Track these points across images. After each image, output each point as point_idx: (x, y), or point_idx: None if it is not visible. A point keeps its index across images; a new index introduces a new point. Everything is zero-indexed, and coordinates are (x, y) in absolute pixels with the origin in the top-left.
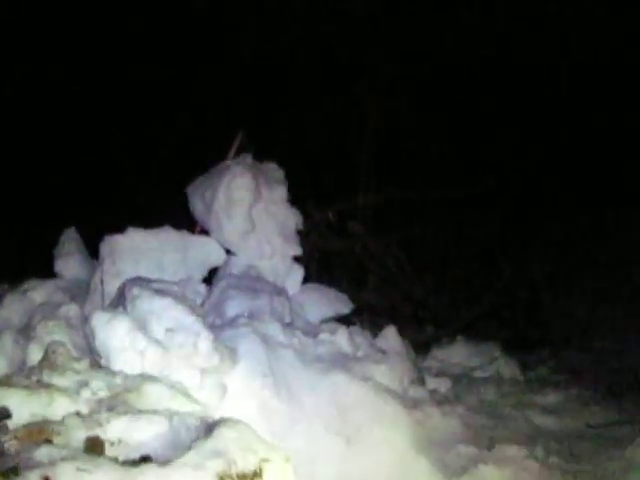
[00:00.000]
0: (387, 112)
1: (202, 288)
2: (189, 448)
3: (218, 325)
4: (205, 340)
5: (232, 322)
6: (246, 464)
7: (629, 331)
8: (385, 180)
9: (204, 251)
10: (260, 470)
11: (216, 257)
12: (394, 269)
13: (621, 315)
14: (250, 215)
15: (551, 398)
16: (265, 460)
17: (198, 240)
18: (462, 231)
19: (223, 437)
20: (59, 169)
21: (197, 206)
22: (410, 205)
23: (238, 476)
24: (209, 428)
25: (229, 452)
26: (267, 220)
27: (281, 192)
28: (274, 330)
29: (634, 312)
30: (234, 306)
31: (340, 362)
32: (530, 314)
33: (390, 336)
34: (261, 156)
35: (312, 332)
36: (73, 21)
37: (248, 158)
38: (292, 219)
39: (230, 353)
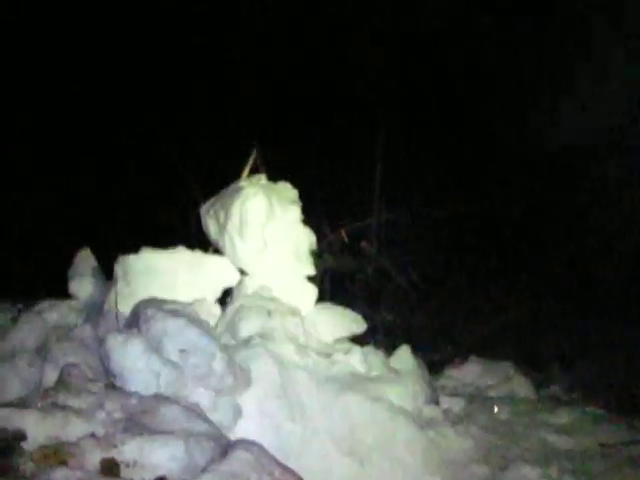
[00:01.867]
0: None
1: (216, 308)
2: (204, 470)
3: (232, 345)
4: (219, 361)
5: (246, 343)
6: None
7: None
8: (397, 201)
9: (218, 271)
10: None
11: (229, 277)
12: (406, 288)
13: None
14: (263, 235)
15: (564, 417)
16: (278, 477)
17: (212, 260)
18: (473, 249)
19: (238, 459)
20: (74, 187)
21: (211, 226)
22: (422, 225)
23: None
24: (224, 450)
25: (244, 474)
26: (280, 240)
27: (294, 212)
28: (287, 350)
29: None
30: (248, 327)
31: (354, 382)
32: (542, 332)
33: (404, 356)
34: (275, 177)
35: (325, 352)
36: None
37: (262, 178)
38: (305, 239)
39: (244, 374)
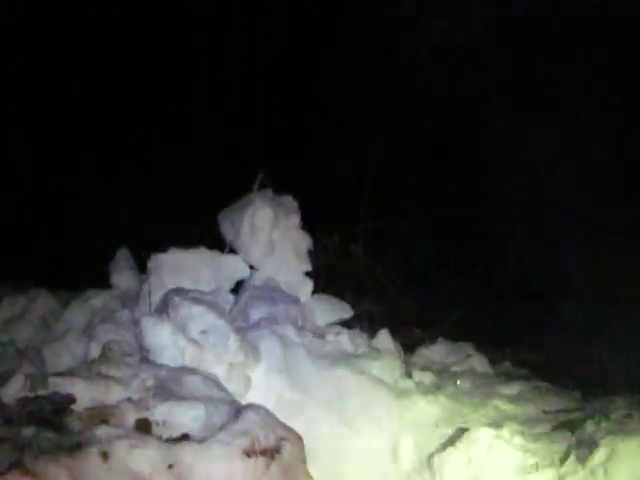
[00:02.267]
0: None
1: (230, 297)
2: (220, 429)
3: (243, 328)
4: (233, 340)
5: (255, 325)
6: (267, 442)
7: (580, 335)
8: (380, 211)
9: (232, 267)
10: (279, 447)
11: (242, 272)
12: (387, 283)
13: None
14: (270, 238)
15: (515, 389)
16: (283, 439)
17: (227, 258)
18: (438, 253)
19: (248, 419)
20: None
21: (227, 230)
22: (399, 231)
23: (261, 452)
24: (237, 412)
25: (253, 432)
26: (284, 243)
27: (295, 220)
28: (289, 332)
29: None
30: (256, 312)
31: (343, 359)
32: (496, 320)
33: (384, 338)
34: (279, 190)
35: (320, 334)
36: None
37: (268, 192)
38: (304, 242)
39: (253, 351)
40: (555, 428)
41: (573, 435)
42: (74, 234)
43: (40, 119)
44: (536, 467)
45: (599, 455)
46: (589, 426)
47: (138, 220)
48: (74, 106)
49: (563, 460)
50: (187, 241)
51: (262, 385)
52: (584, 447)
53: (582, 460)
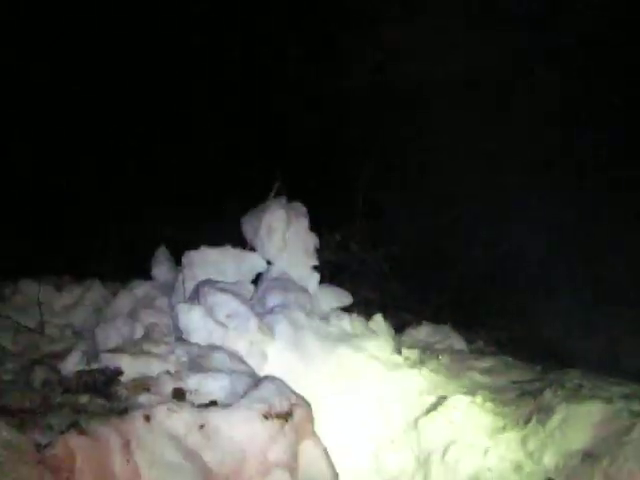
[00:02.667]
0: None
1: (251, 287)
2: (242, 396)
3: (261, 312)
4: (253, 323)
5: (270, 310)
6: (282, 407)
7: (542, 318)
8: (374, 213)
9: (252, 262)
10: (291, 411)
11: (260, 266)
12: (380, 275)
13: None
14: (283, 238)
15: (486, 363)
16: (294, 404)
17: (248, 254)
18: (423, 250)
19: (266, 388)
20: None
21: (248, 231)
22: (390, 231)
23: (276, 415)
24: (256, 383)
25: (270, 398)
26: (295, 242)
27: (304, 222)
28: (299, 316)
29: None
30: (272, 300)
31: (344, 338)
32: (471, 306)
33: (378, 321)
34: (291, 198)
35: (324, 317)
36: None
37: (282, 199)
38: (312, 241)
39: (269, 332)
40: (520, 396)
41: (535, 402)
42: (120, 236)
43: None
44: (504, 428)
45: (556, 418)
46: (548, 394)
47: (170, 222)
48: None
49: (526, 422)
50: (212, 240)
51: (277, 360)
52: (543, 412)
53: (542, 422)
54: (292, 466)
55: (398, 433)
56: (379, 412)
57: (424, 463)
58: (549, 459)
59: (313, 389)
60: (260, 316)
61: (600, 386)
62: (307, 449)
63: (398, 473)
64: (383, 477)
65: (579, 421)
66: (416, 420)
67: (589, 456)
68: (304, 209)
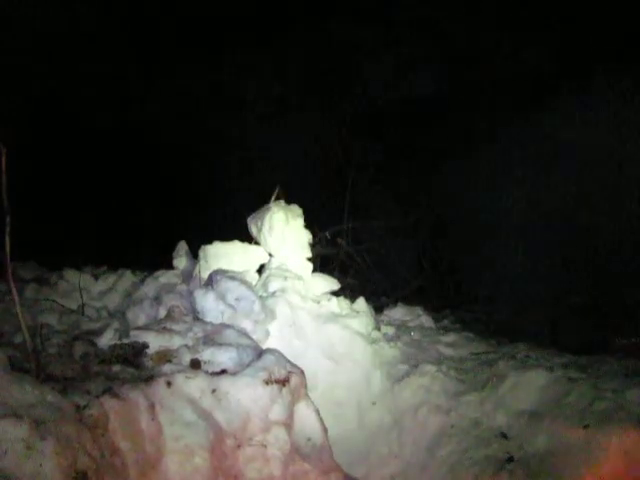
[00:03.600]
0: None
1: (255, 276)
2: (247, 365)
3: (264, 296)
4: (257, 305)
5: (272, 295)
6: (280, 374)
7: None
8: (358, 213)
9: (256, 255)
10: (288, 378)
11: (263, 258)
12: (363, 265)
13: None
14: (283, 235)
15: (451, 338)
16: (290, 372)
17: (253, 248)
18: (401, 243)
19: (267, 359)
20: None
21: (253, 229)
22: (372, 228)
23: (275, 381)
24: (259, 354)
25: (270, 367)
26: (292, 237)
27: (300, 221)
28: (295, 299)
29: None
30: (273, 285)
31: (333, 318)
32: (440, 291)
33: (360, 303)
34: (289, 201)
35: (317, 300)
36: None
37: (282, 202)
38: (306, 237)
39: (271, 312)
40: (478, 365)
41: (490, 370)
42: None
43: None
44: (465, 392)
45: (507, 383)
46: (501, 364)
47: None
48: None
49: (483, 387)
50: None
51: (277, 335)
52: (497, 378)
53: (496, 387)
54: (288, 424)
55: (378, 396)
56: (362, 378)
57: (399, 421)
58: (502, 418)
59: (307, 359)
60: (263, 299)
61: (544, 357)
62: (301, 409)
63: (377, 429)
64: (365, 432)
65: (526, 386)
66: (392, 385)
67: (534, 415)
68: (300, 210)
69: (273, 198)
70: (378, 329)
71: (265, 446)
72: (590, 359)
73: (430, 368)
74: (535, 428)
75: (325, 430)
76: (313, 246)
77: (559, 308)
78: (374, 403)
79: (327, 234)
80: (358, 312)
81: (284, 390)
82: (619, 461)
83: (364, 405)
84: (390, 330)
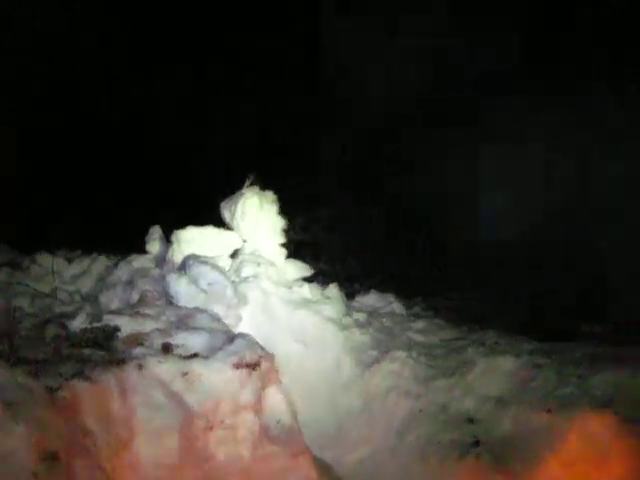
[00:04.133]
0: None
1: (228, 261)
2: (219, 350)
3: (237, 281)
4: (230, 290)
5: (244, 280)
6: (251, 359)
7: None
8: (332, 201)
9: (229, 240)
10: (258, 362)
11: (236, 244)
12: (336, 252)
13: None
14: (256, 220)
15: (421, 325)
16: (261, 356)
17: (226, 233)
18: (372, 232)
19: (239, 343)
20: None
21: (226, 214)
22: (344, 216)
23: (246, 365)
24: (231, 338)
25: (242, 351)
26: (265, 223)
27: (274, 207)
28: (267, 285)
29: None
30: (246, 271)
31: (304, 303)
32: (411, 279)
33: (333, 289)
34: (263, 187)
35: (289, 286)
36: None
37: (255, 188)
38: (279, 223)
39: (243, 298)
40: (448, 351)
41: (459, 356)
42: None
43: None
44: (434, 377)
45: (476, 370)
46: (470, 350)
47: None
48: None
49: (452, 373)
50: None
51: (249, 321)
52: (466, 364)
53: (465, 373)
54: (258, 407)
55: (348, 381)
56: (333, 364)
57: (369, 405)
58: (469, 403)
59: (278, 344)
60: (236, 284)
61: (511, 344)
62: (271, 393)
63: (348, 413)
64: (336, 416)
65: (494, 372)
66: (363, 370)
67: (501, 400)
68: (274, 196)
69: (247, 184)
70: (350, 315)
71: (235, 429)
72: (556, 346)
73: (400, 354)
74: (501, 413)
75: (295, 414)
76: (287, 232)
77: (528, 296)
78: (345, 388)
79: (301, 221)
80: (330, 298)
81: (254, 374)
82: (580, 444)
83: (335, 390)
84: (361, 316)
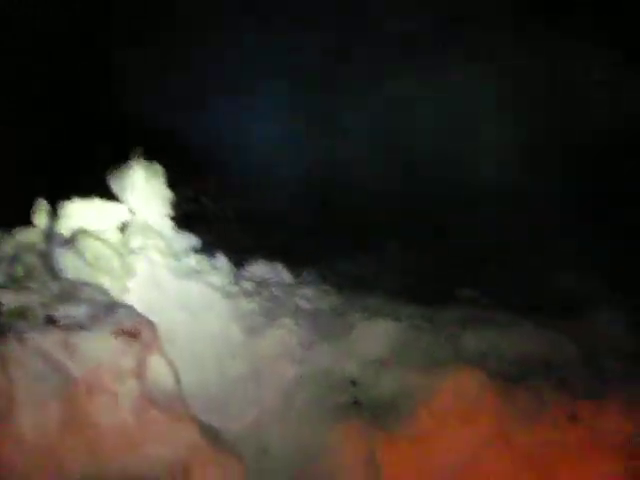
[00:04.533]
0: None
1: (117, 234)
2: (101, 320)
3: (125, 253)
4: (117, 260)
5: (133, 251)
6: (132, 328)
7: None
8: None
9: (118, 212)
10: (138, 330)
11: (125, 216)
12: (225, 223)
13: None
14: (144, 193)
15: (308, 292)
16: (142, 325)
17: (114, 205)
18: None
19: (120, 314)
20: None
21: (114, 187)
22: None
23: (128, 334)
24: (113, 309)
25: (123, 321)
26: (154, 195)
27: (162, 179)
28: (156, 256)
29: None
30: (134, 242)
31: (191, 273)
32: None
33: (220, 259)
34: (152, 160)
35: (177, 257)
36: None
37: (143, 161)
38: (168, 194)
39: (131, 269)
40: (333, 317)
41: (344, 321)
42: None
43: None
44: (317, 342)
45: (358, 333)
46: (354, 315)
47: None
48: None
49: (337, 338)
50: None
51: (136, 291)
52: (351, 329)
53: (347, 336)
54: (140, 374)
55: (236, 348)
56: (221, 332)
57: (257, 372)
58: (352, 366)
59: (166, 314)
60: (123, 256)
61: (393, 308)
62: (154, 361)
63: (236, 380)
64: (223, 383)
65: (375, 335)
66: (251, 337)
67: (381, 362)
68: (161, 169)
69: (134, 156)
70: (238, 284)
71: (117, 396)
72: (433, 309)
73: (287, 321)
74: (381, 374)
75: (178, 380)
76: (175, 204)
77: (410, 261)
78: (232, 355)
79: (190, 192)
80: (217, 268)
81: (136, 343)
82: (451, 400)
83: (222, 357)
84: (250, 285)
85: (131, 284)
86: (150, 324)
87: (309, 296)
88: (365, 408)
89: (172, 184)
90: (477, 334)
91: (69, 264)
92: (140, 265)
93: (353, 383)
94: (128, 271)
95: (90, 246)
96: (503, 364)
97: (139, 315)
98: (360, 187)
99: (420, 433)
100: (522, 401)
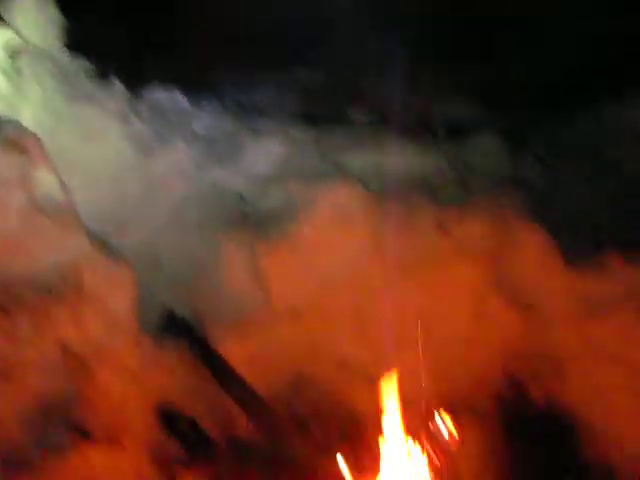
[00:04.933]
0: None
1: (7, 59)
2: None
3: (17, 80)
4: (6, 83)
5: (25, 76)
6: (17, 139)
7: None
8: None
9: (6, 37)
10: (26, 145)
11: (17, 42)
12: (122, 47)
13: None
14: (36, 17)
15: (205, 118)
16: (28, 138)
17: (3, 31)
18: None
19: (6, 129)
20: None
21: (4, 13)
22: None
23: (13, 146)
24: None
25: (9, 135)
26: (47, 20)
27: (54, 3)
28: (50, 81)
29: None
30: (27, 68)
31: (85, 99)
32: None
33: (116, 84)
34: None
35: (72, 82)
36: None
37: None
38: (60, 18)
39: (23, 96)
40: (226, 139)
41: (236, 143)
42: None
43: None
44: (212, 163)
45: (248, 152)
46: (245, 137)
47: None
48: None
49: (229, 159)
50: None
51: (31, 119)
52: (241, 149)
53: (239, 157)
54: (26, 184)
55: (131, 170)
56: (115, 154)
57: (151, 190)
58: (241, 182)
59: (58, 138)
60: (13, 80)
61: (281, 129)
62: (41, 172)
63: (130, 198)
64: (118, 200)
65: (263, 154)
66: (145, 159)
67: (268, 179)
68: None
69: None
70: (134, 109)
71: (4, 204)
72: (323, 130)
73: (181, 145)
74: (267, 189)
75: (68, 194)
76: (70, 30)
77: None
78: (127, 176)
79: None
80: (113, 93)
81: (23, 155)
82: (328, 209)
83: (117, 178)
84: (146, 111)
85: (25, 111)
86: (36, 139)
87: (205, 122)
88: (251, 220)
89: (65, 8)
90: (362, 154)
91: None
92: (33, 90)
93: (241, 198)
94: (21, 96)
95: None
96: (382, 182)
97: (25, 130)
98: None
99: (301, 240)
100: (394, 211)
